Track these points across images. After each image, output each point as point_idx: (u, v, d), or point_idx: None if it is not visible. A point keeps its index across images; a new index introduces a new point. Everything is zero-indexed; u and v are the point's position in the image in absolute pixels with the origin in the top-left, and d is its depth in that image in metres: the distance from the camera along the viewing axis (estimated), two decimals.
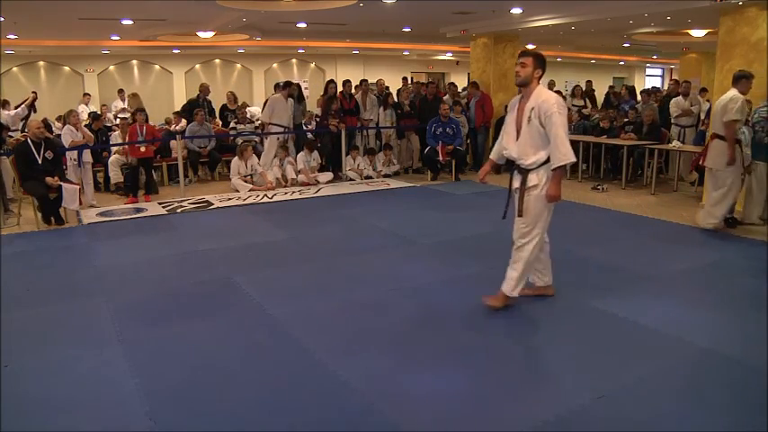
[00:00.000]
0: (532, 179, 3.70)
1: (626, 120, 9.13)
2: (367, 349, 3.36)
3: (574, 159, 3.59)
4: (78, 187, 6.57)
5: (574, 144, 9.28)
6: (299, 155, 9.01)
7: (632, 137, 8.57)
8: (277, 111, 9.03)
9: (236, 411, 2.72)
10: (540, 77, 3.71)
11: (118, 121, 10.59)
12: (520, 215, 3.80)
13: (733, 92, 5.76)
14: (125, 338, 3.50)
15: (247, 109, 11.42)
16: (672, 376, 3.03)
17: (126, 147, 8.20)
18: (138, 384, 2.94)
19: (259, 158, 8.91)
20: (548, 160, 3.64)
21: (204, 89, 10.21)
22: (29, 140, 6.42)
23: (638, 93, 11.26)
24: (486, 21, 10.05)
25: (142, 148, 7.88)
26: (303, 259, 5.11)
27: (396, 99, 10.28)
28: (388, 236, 5.89)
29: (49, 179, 6.25)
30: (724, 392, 2.86)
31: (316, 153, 9.09)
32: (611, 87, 11.79)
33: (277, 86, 9.80)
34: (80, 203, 6.62)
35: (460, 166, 9.39)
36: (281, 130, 9.07)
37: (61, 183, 6.37)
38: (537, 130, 3.60)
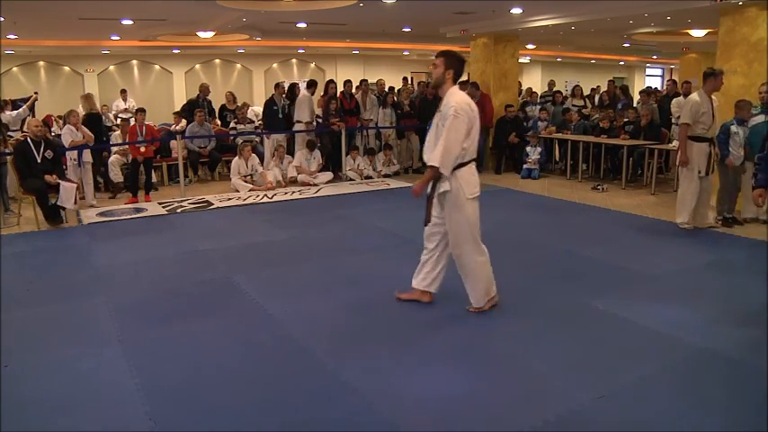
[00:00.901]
0: (443, 185, 3.63)
1: (626, 120, 9.13)
2: (367, 349, 3.36)
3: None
4: (76, 186, 6.55)
5: (574, 144, 9.37)
6: (298, 153, 9.02)
7: (626, 137, 8.59)
8: (305, 108, 9.32)
9: (235, 411, 2.72)
10: (453, 78, 3.58)
11: (119, 121, 10.62)
12: (426, 223, 3.69)
13: (694, 94, 5.83)
14: (125, 338, 3.50)
15: (251, 108, 11.43)
16: (672, 376, 3.03)
17: (126, 147, 8.21)
18: (138, 384, 2.94)
19: (259, 158, 8.92)
20: (458, 166, 3.54)
21: (204, 89, 10.21)
22: (28, 139, 6.42)
23: (632, 93, 11.25)
24: (486, 21, 10.04)
25: (142, 148, 7.88)
26: (303, 259, 5.11)
27: (395, 99, 10.28)
28: (388, 236, 5.89)
29: (47, 177, 6.25)
30: (724, 392, 2.86)
31: (317, 152, 9.08)
32: (610, 82, 11.72)
33: (277, 86, 9.84)
34: (75, 202, 6.57)
35: None
36: (305, 127, 9.31)
37: (60, 181, 6.36)
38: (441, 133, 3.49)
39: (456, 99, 3.50)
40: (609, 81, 11.93)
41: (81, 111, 8.38)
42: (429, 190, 3.77)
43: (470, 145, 3.59)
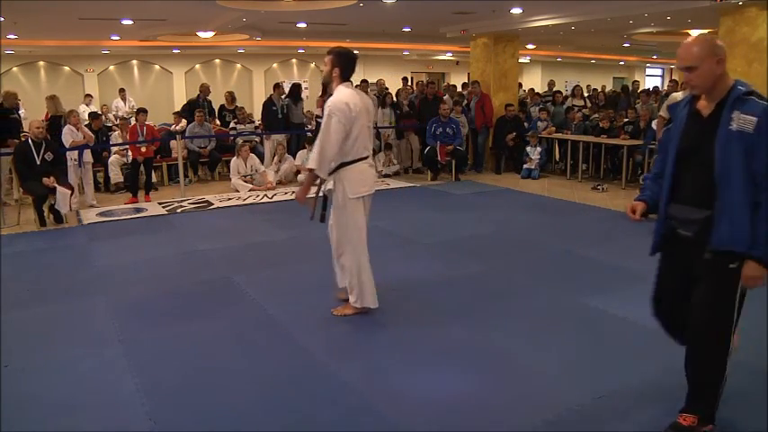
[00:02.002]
0: (328, 184, 3.61)
1: (626, 120, 9.13)
2: (366, 349, 3.37)
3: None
4: (70, 192, 6.43)
5: (574, 144, 9.36)
6: (299, 153, 9.02)
7: (626, 137, 8.60)
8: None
9: (235, 411, 2.72)
10: (340, 75, 3.53)
11: (118, 121, 10.62)
12: (311, 218, 3.67)
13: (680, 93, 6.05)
14: (125, 338, 3.50)
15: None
16: (672, 376, 3.02)
17: (124, 147, 8.21)
18: (138, 384, 2.94)
19: (259, 158, 8.92)
20: (339, 165, 3.50)
21: (204, 89, 10.22)
22: (29, 140, 6.42)
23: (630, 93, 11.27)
24: (486, 21, 10.04)
25: (143, 148, 7.88)
26: (303, 259, 5.11)
27: (395, 99, 10.29)
28: (388, 236, 5.89)
29: (45, 180, 6.24)
30: (724, 392, 2.86)
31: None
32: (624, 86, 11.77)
33: (276, 86, 9.85)
34: (70, 208, 6.51)
35: (460, 166, 9.39)
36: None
37: (56, 185, 6.33)
38: None
39: (334, 98, 3.47)
40: (623, 85, 11.92)
41: (126, 108, 8.31)
42: (317, 189, 3.73)
43: (354, 144, 3.51)
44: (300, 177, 8.82)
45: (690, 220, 2.33)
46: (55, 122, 7.84)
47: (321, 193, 3.71)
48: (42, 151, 6.37)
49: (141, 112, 8.32)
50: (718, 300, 2.33)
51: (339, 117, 3.40)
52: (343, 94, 3.49)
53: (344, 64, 3.53)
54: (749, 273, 2.21)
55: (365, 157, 3.59)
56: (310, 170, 3.51)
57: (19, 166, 6.38)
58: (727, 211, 2.20)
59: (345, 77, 3.55)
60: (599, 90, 12.71)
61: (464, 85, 11.90)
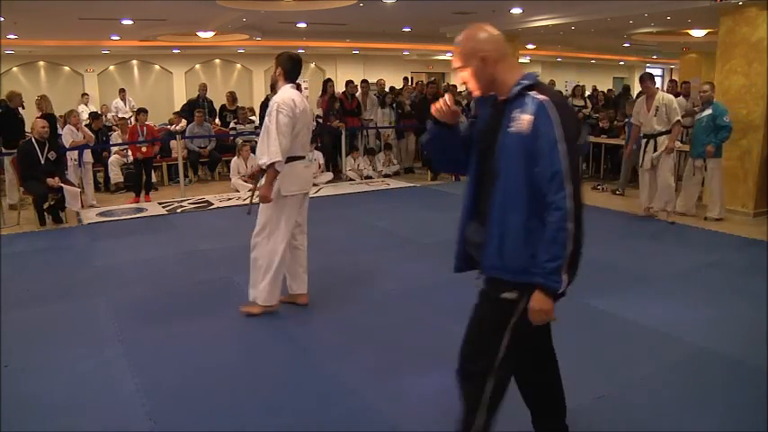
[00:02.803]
0: (261, 179, 3.72)
1: (626, 119, 9.12)
2: (367, 349, 3.36)
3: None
4: (79, 190, 6.57)
5: None
6: None
7: (628, 148, 8.60)
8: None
9: (235, 411, 2.72)
10: (284, 76, 3.72)
11: (118, 121, 10.61)
12: (248, 213, 3.83)
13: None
14: (125, 338, 3.50)
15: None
16: (672, 376, 3.03)
17: (124, 147, 8.22)
18: (138, 384, 2.94)
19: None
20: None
21: (201, 88, 10.24)
22: (33, 140, 6.42)
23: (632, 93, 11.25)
24: (486, 21, 10.04)
25: (143, 149, 7.88)
26: None
27: (396, 98, 10.29)
28: (388, 236, 5.89)
29: (49, 180, 6.25)
30: (724, 392, 2.86)
31: (318, 153, 9.08)
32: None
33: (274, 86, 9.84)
34: (82, 205, 6.62)
35: None
36: None
37: (62, 185, 6.37)
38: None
39: (279, 96, 3.64)
40: (624, 85, 11.88)
41: (127, 107, 8.29)
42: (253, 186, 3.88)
43: (294, 141, 3.67)
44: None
45: (475, 242, 1.98)
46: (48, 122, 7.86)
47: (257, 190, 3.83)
48: (46, 151, 6.38)
49: (141, 112, 8.33)
50: (481, 335, 2.01)
51: (286, 112, 3.56)
52: (288, 93, 3.67)
53: (287, 66, 3.74)
54: (534, 305, 1.84)
55: (302, 157, 3.77)
56: (269, 167, 3.56)
57: (22, 166, 6.37)
58: (497, 230, 1.86)
59: (290, 79, 3.74)
60: (599, 90, 12.71)
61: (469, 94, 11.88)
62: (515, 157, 1.79)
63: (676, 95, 9.41)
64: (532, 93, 1.79)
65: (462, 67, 1.91)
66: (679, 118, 6.10)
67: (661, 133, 6.14)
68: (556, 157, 1.71)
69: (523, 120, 1.77)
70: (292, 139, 3.61)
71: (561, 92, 1.88)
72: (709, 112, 6.24)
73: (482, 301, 2.01)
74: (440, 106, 1.97)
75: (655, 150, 6.20)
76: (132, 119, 9.78)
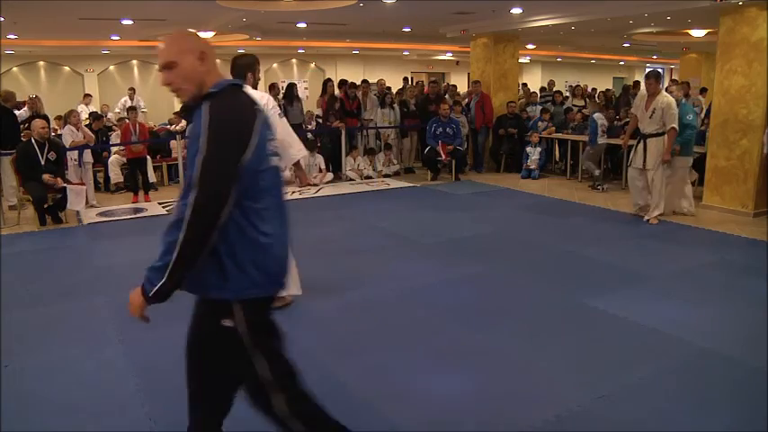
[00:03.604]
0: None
1: (627, 119, 9.12)
2: (367, 349, 3.36)
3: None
4: (84, 187, 6.60)
5: (574, 144, 9.36)
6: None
7: (624, 138, 8.60)
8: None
9: (235, 411, 2.72)
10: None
11: (118, 121, 10.61)
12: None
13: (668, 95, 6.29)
14: (125, 338, 3.50)
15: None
16: (672, 376, 3.03)
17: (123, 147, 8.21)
18: (138, 385, 2.95)
19: None
20: None
21: None
22: (33, 140, 6.42)
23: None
24: (486, 21, 10.04)
25: (135, 148, 7.87)
26: (303, 259, 5.09)
27: (398, 98, 10.29)
28: (388, 236, 5.89)
29: (48, 177, 6.24)
30: (724, 392, 2.86)
31: (320, 157, 9.07)
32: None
33: (272, 87, 9.85)
34: (87, 203, 6.65)
35: (460, 166, 9.40)
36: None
37: (65, 185, 6.36)
38: None
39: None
40: (624, 85, 11.88)
41: (133, 104, 8.34)
42: None
43: None
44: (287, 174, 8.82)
45: None
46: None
47: None
48: (46, 151, 6.38)
49: (132, 110, 8.33)
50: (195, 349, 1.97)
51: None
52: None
53: (234, 70, 3.70)
54: (132, 296, 1.83)
55: None
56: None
57: (21, 167, 6.37)
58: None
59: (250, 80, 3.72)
60: (598, 91, 12.72)
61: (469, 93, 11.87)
62: (189, 162, 1.72)
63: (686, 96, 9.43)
64: (209, 99, 1.75)
65: (172, 64, 1.86)
66: (675, 125, 5.97)
67: (652, 134, 6.13)
68: (195, 164, 1.65)
69: (193, 126, 1.75)
70: None
71: (243, 99, 1.75)
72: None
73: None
74: None
75: (645, 150, 6.18)
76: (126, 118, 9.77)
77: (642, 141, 6.22)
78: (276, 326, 2.02)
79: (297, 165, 3.81)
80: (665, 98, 6.10)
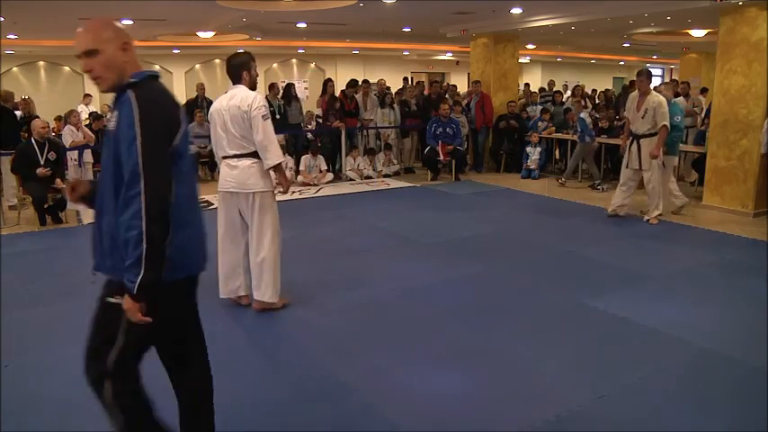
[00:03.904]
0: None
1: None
2: (367, 349, 3.36)
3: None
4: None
5: (574, 144, 9.35)
6: (302, 157, 9.01)
7: (623, 137, 8.61)
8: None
9: (235, 411, 2.72)
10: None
11: None
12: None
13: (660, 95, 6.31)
14: None
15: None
16: (672, 376, 3.03)
17: None
18: None
19: None
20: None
21: (200, 88, 10.25)
22: (33, 141, 6.41)
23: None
24: (486, 21, 10.04)
25: None
26: (303, 259, 5.10)
27: (393, 99, 10.29)
28: (388, 236, 5.89)
29: (43, 170, 6.22)
30: (724, 392, 2.87)
31: (321, 159, 9.06)
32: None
33: (272, 87, 9.84)
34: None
35: (460, 166, 9.40)
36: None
37: (65, 185, 6.37)
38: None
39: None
40: (623, 85, 11.89)
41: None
42: None
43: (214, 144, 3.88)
44: (300, 178, 8.83)
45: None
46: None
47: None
48: (46, 151, 6.38)
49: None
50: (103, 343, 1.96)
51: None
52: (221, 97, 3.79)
53: (229, 70, 3.74)
54: (125, 305, 1.82)
55: (224, 157, 3.77)
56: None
57: (21, 168, 6.36)
58: (98, 229, 1.92)
59: (233, 81, 3.74)
60: (598, 91, 12.74)
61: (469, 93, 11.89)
62: (107, 156, 1.80)
63: (676, 95, 9.44)
64: (130, 89, 1.77)
65: (94, 51, 1.82)
66: (666, 123, 5.98)
67: (645, 135, 6.12)
68: (134, 152, 1.69)
69: (114, 115, 1.79)
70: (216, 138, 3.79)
71: (164, 88, 1.80)
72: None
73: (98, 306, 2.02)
74: None
75: (639, 151, 6.17)
76: None
77: (636, 142, 6.22)
78: (174, 323, 2.09)
79: (278, 169, 3.72)
80: (656, 97, 6.11)
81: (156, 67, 16.78)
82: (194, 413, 2.23)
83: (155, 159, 1.71)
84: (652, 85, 6.30)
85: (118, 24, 1.88)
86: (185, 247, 1.86)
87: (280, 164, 3.69)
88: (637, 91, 6.31)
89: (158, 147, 1.73)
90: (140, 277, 1.72)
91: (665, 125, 6.00)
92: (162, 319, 1.85)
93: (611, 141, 8.69)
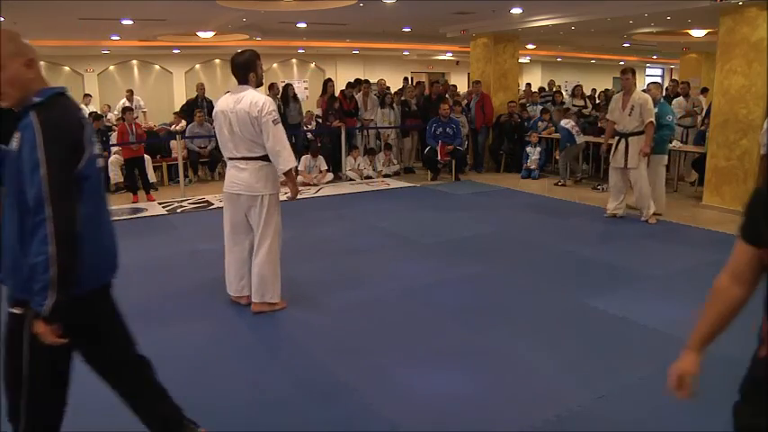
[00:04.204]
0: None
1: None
2: (367, 349, 3.36)
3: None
4: None
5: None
6: (302, 157, 9.01)
7: (605, 137, 8.63)
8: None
9: (235, 411, 2.72)
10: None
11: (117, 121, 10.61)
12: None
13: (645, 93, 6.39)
14: None
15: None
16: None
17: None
18: None
19: None
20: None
21: (199, 88, 10.26)
22: None
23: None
24: (486, 21, 10.05)
25: (133, 147, 7.88)
26: (303, 259, 5.11)
27: (393, 99, 10.30)
28: (388, 236, 5.89)
29: None
30: (724, 392, 2.86)
31: (321, 159, 9.07)
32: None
33: (271, 87, 9.83)
34: None
35: (460, 166, 9.40)
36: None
37: None
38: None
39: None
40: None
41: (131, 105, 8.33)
42: None
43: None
44: (300, 178, 8.82)
45: None
46: None
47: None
48: None
49: (128, 110, 8.33)
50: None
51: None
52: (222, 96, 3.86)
53: (235, 71, 3.71)
54: (37, 329, 1.75)
55: (231, 158, 3.78)
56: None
57: None
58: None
59: (238, 81, 3.71)
60: (598, 91, 12.75)
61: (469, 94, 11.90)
62: (10, 179, 1.76)
63: (676, 95, 9.45)
64: (35, 110, 1.73)
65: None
66: (652, 119, 6.03)
67: (633, 133, 6.13)
68: (37, 178, 1.67)
69: (17, 136, 1.74)
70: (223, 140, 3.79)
71: (71, 107, 1.79)
72: (654, 110, 6.30)
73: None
74: None
75: (627, 150, 6.17)
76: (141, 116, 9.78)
77: (624, 140, 6.21)
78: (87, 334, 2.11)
79: (288, 175, 3.68)
80: (641, 95, 6.17)
81: (156, 68, 16.82)
82: (142, 401, 2.36)
83: (59, 185, 1.69)
84: (643, 87, 6.34)
85: (23, 40, 1.81)
86: (87, 263, 1.83)
87: (290, 169, 3.67)
88: (621, 92, 6.36)
89: (63, 171, 1.72)
90: (52, 300, 1.70)
91: (651, 122, 6.04)
92: (68, 332, 1.81)
93: (611, 141, 8.69)
